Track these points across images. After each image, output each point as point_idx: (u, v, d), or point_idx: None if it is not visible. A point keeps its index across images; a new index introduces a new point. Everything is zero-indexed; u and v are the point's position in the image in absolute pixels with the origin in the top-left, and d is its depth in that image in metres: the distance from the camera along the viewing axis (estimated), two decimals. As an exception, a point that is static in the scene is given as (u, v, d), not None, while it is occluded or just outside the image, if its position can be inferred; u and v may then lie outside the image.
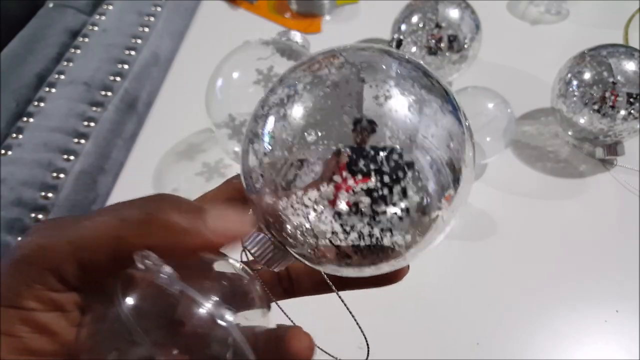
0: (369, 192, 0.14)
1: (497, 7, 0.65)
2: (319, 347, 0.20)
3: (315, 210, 0.15)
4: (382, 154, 0.14)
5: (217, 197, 0.20)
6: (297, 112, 0.15)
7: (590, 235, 0.43)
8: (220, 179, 0.47)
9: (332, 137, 0.14)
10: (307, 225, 0.15)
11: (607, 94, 0.43)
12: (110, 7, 0.60)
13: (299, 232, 0.15)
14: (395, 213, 0.14)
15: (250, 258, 0.18)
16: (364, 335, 0.21)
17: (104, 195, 0.47)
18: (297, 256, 0.17)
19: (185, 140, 0.50)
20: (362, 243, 0.15)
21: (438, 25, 0.48)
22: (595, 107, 0.43)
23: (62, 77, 0.52)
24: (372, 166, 0.14)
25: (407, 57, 0.17)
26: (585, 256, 0.41)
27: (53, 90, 0.51)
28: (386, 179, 0.14)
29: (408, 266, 0.19)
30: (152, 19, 0.61)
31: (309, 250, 0.16)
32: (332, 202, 0.14)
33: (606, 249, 0.42)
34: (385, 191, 0.14)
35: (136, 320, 0.15)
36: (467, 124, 0.17)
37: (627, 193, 0.45)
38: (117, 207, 0.18)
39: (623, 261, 0.41)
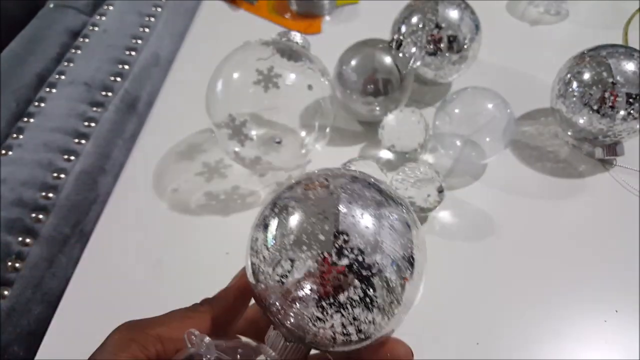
0: (346, 284, 0.18)
1: (496, 8, 0.65)
2: None
3: (307, 302, 0.19)
4: (354, 255, 0.18)
5: (229, 291, 0.24)
6: (291, 221, 0.20)
7: (589, 236, 0.43)
8: (220, 179, 0.47)
9: (317, 243, 0.19)
10: (305, 315, 0.19)
11: (607, 94, 0.43)
12: (111, 8, 0.61)
13: (301, 321, 0.19)
14: (369, 297, 0.19)
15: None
16: None
17: (105, 195, 0.47)
18: (306, 343, 0.20)
19: (185, 140, 0.50)
20: (350, 327, 0.19)
21: (438, 26, 0.48)
22: (595, 107, 0.43)
23: (63, 77, 0.52)
24: (347, 263, 0.18)
25: (371, 180, 0.22)
26: (584, 256, 0.41)
27: (53, 90, 0.51)
28: (358, 274, 0.18)
29: (409, 353, 0.22)
30: (152, 19, 0.61)
31: (312, 336, 0.19)
32: (320, 295, 0.18)
33: (606, 249, 0.42)
34: (360, 283, 0.18)
35: None
36: (411, 216, 0.21)
37: (627, 193, 0.46)
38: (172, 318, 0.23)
39: (623, 261, 0.41)
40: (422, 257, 0.21)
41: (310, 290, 0.18)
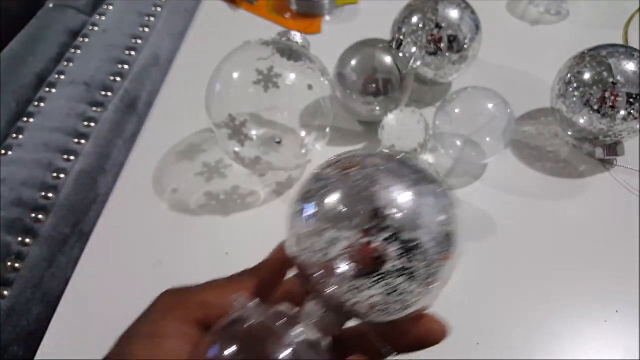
0: (386, 256, 0.19)
1: (496, 8, 0.65)
2: None
3: (346, 272, 0.19)
4: (394, 229, 0.19)
5: (268, 263, 0.24)
6: (332, 199, 0.20)
7: (590, 236, 0.43)
8: (221, 179, 0.47)
9: (358, 217, 0.19)
10: (346, 286, 0.19)
11: (607, 94, 0.43)
12: (111, 8, 0.60)
13: (337, 294, 0.20)
14: (409, 270, 0.19)
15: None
16: None
17: (104, 195, 0.47)
18: (343, 314, 0.21)
19: (185, 140, 0.50)
20: (388, 297, 0.20)
21: (438, 26, 0.48)
22: (595, 107, 0.43)
23: (63, 77, 0.52)
24: (387, 236, 0.19)
25: (409, 159, 0.22)
26: (585, 256, 0.41)
27: (53, 90, 0.51)
28: (399, 247, 0.19)
29: (445, 330, 0.22)
30: (152, 19, 0.61)
31: (350, 306, 0.20)
32: (361, 267, 0.19)
33: (606, 249, 0.42)
34: (400, 256, 0.19)
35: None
36: (450, 195, 0.22)
37: (627, 193, 0.45)
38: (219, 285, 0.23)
39: (623, 261, 0.41)
40: (460, 235, 0.22)
41: (352, 261, 0.19)
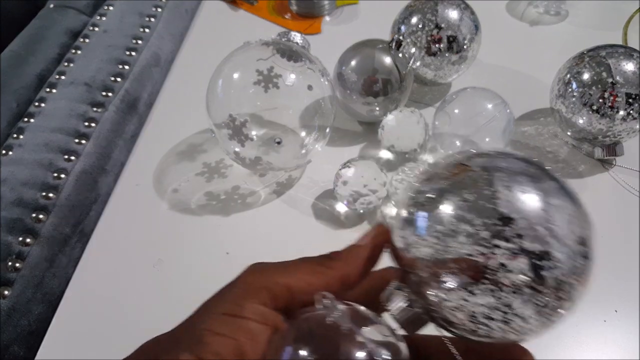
0: (509, 272, 0.16)
1: (496, 8, 0.65)
2: None
3: (457, 283, 0.17)
4: (521, 242, 0.16)
5: (363, 249, 0.22)
6: (447, 207, 0.18)
7: (589, 235, 0.43)
8: (221, 179, 0.47)
9: (479, 225, 0.17)
10: (447, 293, 0.17)
11: (606, 95, 0.43)
12: (111, 8, 0.61)
13: (439, 298, 0.18)
14: (529, 289, 0.16)
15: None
16: None
17: (105, 195, 0.47)
18: (432, 320, 0.20)
19: (185, 140, 0.50)
20: (494, 318, 0.17)
21: (437, 26, 0.48)
22: (594, 107, 0.43)
23: (63, 77, 0.52)
24: (513, 250, 0.16)
25: (521, 155, 0.19)
26: (584, 256, 0.41)
27: (54, 90, 0.51)
28: (526, 263, 0.16)
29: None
30: (152, 20, 0.61)
31: (445, 315, 0.18)
32: (475, 278, 0.17)
33: (605, 249, 0.42)
34: (527, 273, 0.16)
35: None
36: (575, 192, 0.19)
37: (626, 193, 0.46)
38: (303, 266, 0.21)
39: (622, 261, 0.41)
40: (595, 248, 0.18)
41: (464, 270, 0.17)
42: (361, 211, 0.43)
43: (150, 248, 0.42)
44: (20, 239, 0.41)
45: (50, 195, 0.44)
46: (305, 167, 0.47)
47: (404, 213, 0.20)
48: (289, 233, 0.43)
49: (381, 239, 0.22)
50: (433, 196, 0.19)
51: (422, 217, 0.19)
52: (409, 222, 0.19)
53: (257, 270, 0.20)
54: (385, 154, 0.49)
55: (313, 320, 0.19)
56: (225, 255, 0.42)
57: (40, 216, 0.42)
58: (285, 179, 0.47)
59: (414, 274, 0.19)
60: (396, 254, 0.20)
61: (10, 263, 0.39)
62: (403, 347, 0.19)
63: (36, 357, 0.37)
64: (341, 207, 0.44)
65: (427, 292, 0.18)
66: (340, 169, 0.42)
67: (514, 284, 0.16)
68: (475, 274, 0.17)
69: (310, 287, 0.20)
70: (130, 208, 0.46)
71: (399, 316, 0.20)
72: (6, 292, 0.38)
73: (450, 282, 0.17)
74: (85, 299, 0.40)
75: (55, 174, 0.45)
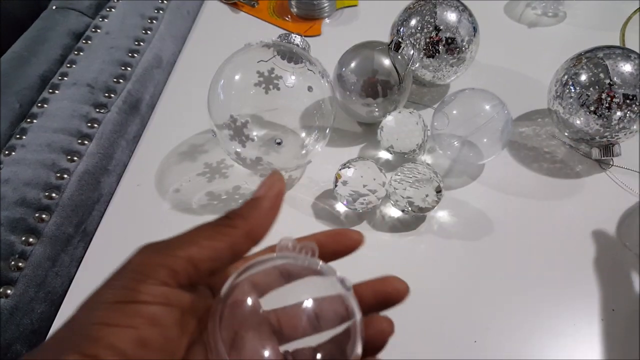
0: None
1: (494, 10, 0.66)
2: None
3: None
4: None
5: (263, 201, 0.22)
6: None
7: (586, 235, 0.43)
8: (222, 180, 0.47)
9: None
10: None
11: (604, 96, 0.43)
12: (113, 10, 0.61)
13: None
14: None
15: None
16: None
17: (107, 195, 0.47)
18: None
19: (187, 141, 0.51)
20: None
21: (436, 28, 0.48)
22: (592, 108, 0.44)
23: (66, 79, 0.53)
24: None
25: None
26: (582, 255, 0.42)
27: (56, 91, 0.51)
28: None
29: (407, 288, 0.22)
30: (154, 21, 0.61)
31: None
32: None
33: (603, 249, 0.42)
34: None
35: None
36: None
37: (624, 193, 0.46)
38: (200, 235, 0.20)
39: (620, 260, 0.41)
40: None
41: None
42: (361, 211, 0.44)
43: (152, 247, 0.43)
44: (23, 238, 0.41)
45: (53, 195, 0.44)
46: (305, 167, 0.48)
47: None
48: (289, 233, 0.44)
49: (277, 186, 0.21)
50: None
51: None
52: None
53: (149, 249, 0.18)
54: (384, 155, 0.49)
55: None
56: (226, 255, 0.42)
57: (43, 216, 0.43)
58: (286, 179, 0.47)
59: None
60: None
61: (13, 262, 0.40)
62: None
63: (39, 355, 0.37)
64: (341, 207, 0.45)
65: None
66: (340, 169, 0.42)
67: None
68: None
69: (215, 252, 0.18)
70: (132, 208, 0.46)
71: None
72: (9, 291, 0.39)
73: None
74: (88, 298, 0.40)
75: (58, 174, 0.45)
